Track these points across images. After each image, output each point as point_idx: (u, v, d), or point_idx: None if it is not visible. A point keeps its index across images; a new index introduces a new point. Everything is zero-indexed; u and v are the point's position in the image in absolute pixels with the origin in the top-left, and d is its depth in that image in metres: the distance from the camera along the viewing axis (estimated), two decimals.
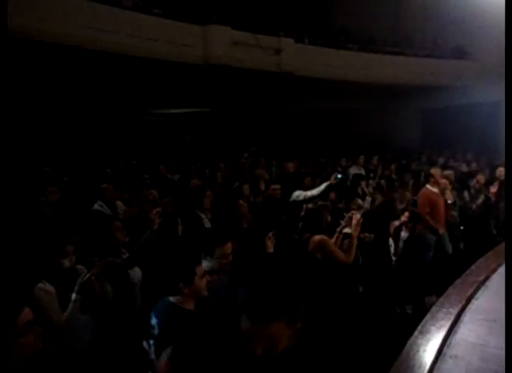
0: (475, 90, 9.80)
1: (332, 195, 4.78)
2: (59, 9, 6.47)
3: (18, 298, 1.49)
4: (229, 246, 2.25)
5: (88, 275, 2.09)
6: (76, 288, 2.06)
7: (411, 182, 5.81)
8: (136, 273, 2.58)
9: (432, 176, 4.80)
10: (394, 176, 6.71)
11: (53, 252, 2.19)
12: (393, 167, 7.11)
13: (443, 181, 4.85)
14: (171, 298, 1.86)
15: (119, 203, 3.92)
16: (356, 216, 3.00)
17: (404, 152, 10.14)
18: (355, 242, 2.97)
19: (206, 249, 2.22)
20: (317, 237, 2.93)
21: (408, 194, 5.18)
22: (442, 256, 4.63)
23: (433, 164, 7.44)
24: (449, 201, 5.00)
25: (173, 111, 12.00)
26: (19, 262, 2.34)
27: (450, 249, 4.75)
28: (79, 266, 2.24)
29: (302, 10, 11.45)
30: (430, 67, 10.84)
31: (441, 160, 8.25)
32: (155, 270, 2.53)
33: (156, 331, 1.79)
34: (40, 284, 2.15)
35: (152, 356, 1.79)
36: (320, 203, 3.47)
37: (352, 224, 2.96)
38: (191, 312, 1.86)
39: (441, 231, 4.64)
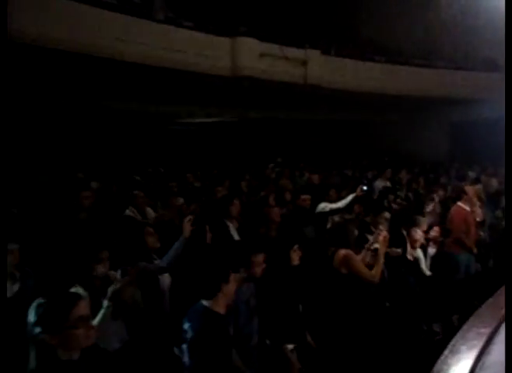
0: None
1: (357, 208, 4.73)
2: (93, 22, 6.79)
3: (73, 293, 1.56)
4: (262, 256, 2.31)
5: (121, 283, 2.14)
6: (109, 295, 2.10)
7: (437, 197, 5.68)
8: (166, 279, 2.65)
9: (465, 192, 4.67)
10: (421, 190, 6.59)
11: (88, 258, 2.27)
12: (421, 181, 6.98)
13: (474, 199, 4.72)
14: (204, 302, 1.92)
15: (149, 209, 4.04)
16: (383, 232, 2.96)
17: (432, 166, 9.94)
18: (382, 259, 2.91)
19: (244, 260, 2.29)
20: (343, 252, 2.87)
21: (437, 208, 5.06)
22: (467, 276, 4.49)
23: (462, 178, 7.26)
24: (477, 219, 4.84)
25: (199, 120, 12.24)
26: (55, 265, 2.46)
27: (473, 270, 4.60)
28: (112, 272, 2.30)
29: (329, 22, 11.52)
30: (460, 80, 10.64)
31: (472, 174, 8.02)
32: (185, 276, 2.59)
33: (189, 334, 1.85)
34: (73, 289, 2.21)
35: (186, 359, 1.84)
36: (347, 217, 3.43)
37: (379, 240, 2.92)
38: (223, 317, 1.91)
39: (475, 250, 4.51)
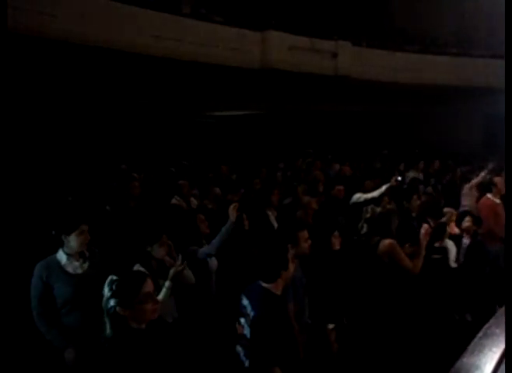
0: None
1: (386, 199, 4.77)
2: (124, 18, 7.03)
3: (141, 272, 1.78)
4: (306, 232, 2.47)
5: (181, 266, 2.36)
6: (170, 276, 2.33)
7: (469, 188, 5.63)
8: (213, 262, 2.86)
9: (495, 184, 4.65)
10: (455, 181, 6.52)
11: (149, 240, 2.49)
12: (458, 172, 6.90)
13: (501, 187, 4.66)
14: (263, 284, 2.08)
15: (192, 198, 4.27)
16: (425, 225, 3.03)
17: (465, 158, 9.72)
18: (423, 252, 2.99)
19: (290, 237, 2.43)
20: (388, 241, 2.97)
21: (468, 200, 5.04)
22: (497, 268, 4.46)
23: (495, 171, 7.09)
24: None
25: (230, 113, 12.44)
26: (119, 246, 2.70)
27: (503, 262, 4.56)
28: (167, 258, 2.53)
29: (359, 12, 11.36)
30: (497, 68, 10.28)
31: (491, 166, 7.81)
32: (231, 260, 2.79)
33: (248, 310, 2.03)
34: (136, 266, 2.43)
35: (245, 331, 2.03)
36: (389, 206, 3.50)
37: (421, 233, 2.99)
38: (281, 297, 2.09)
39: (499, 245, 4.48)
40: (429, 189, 6.14)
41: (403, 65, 9.86)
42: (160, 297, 2.24)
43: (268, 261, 2.07)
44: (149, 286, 1.69)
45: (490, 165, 7.75)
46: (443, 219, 4.19)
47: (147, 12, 7.38)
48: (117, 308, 1.62)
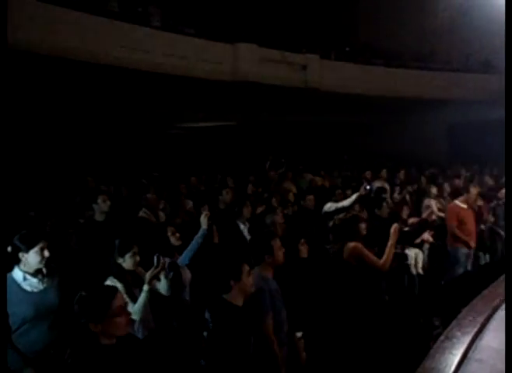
0: (503, 105, 9.70)
1: (356, 207, 4.89)
2: (96, 30, 6.96)
3: (111, 287, 1.74)
4: (279, 241, 2.52)
5: (157, 269, 2.36)
6: (148, 279, 2.33)
7: (434, 193, 5.89)
8: (187, 273, 2.82)
9: (459, 191, 4.95)
10: (424, 186, 6.76)
11: (120, 251, 2.45)
12: (423, 180, 7.16)
13: (473, 195, 4.91)
14: (224, 295, 2.09)
15: (160, 212, 4.19)
16: (395, 225, 3.12)
17: (429, 166, 10.11)
18: (393, 249, 3.06)
19: (265, 247, 2.47)
20: (352, 244, 3.02)
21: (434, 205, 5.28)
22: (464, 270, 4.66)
23: (457, 177, 7.42)
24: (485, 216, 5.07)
25: (200, 125, 12.40)
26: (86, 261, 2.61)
27: (470, 265, 4.78)
28: (140, 268, 2.49)
29: (327, 27, 11.74)
30: (457, 82, 10.85)
31: (465, 173, 8.21)
32: (203, 270, 2.76)
33: (210, 324, 2.01)
34: (109, 281, 2.38)
35: (206, 345, 2.00)
36: (353, 212, 3.58)
37: (390, 232, 3.07)
38: (239, 308, 2.07)
39: (472, 244, 4.70)
40: (397, 196, 6.35)
41: (368, 78, 10.23)
42: (140, 300, 2.27)
43: (220, 271, 2.11)
44: (119, 300, 1.67)
45: (463, 173, 8.15)
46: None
47: (116, 24, 7.32)
48: (89, 325, 1.59)
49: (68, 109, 8.26)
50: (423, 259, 4.93)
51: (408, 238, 4.24)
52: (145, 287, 2.33)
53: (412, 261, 4.70)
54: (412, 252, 4.78)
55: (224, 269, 2.14)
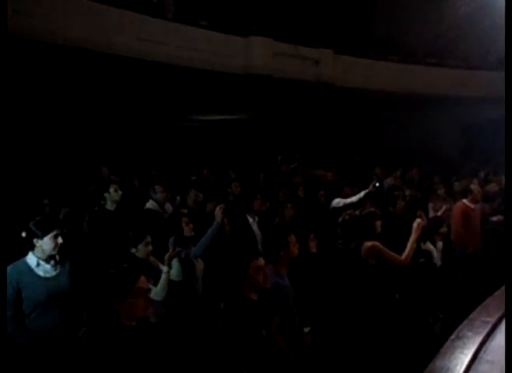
0: None
1: (368, 204, 4.86)
2: (110, 21, 6.99)
3: (136, 267, 1.80)
4: (293, 236, 2.57)
5: (175, 251, 2.47)
6: (166, 260, 2.42)
7: (442, 192, 5.82)
8: (200, 264, 2.86)
9: (471, 191, 4.84)
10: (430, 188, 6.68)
11: (133, 240, 2.51)
12: (436, 179, 7.09)
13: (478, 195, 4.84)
14: (240, 288, 2.12)
15: (167, 203, 4.23)
16: (417, 220, 3.09)
17: (443, 165, 9.99)
18: (414, 245, 3.02)
19: (281, 242, 2.52)
20: (369, 243, 2.95)
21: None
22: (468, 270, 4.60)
23: (473, 177, 7.31)
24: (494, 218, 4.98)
25: (212, 118, 12.42)
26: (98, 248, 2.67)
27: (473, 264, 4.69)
28: (152, 258, 2.56)
29: (342, 21, 11.58)
30: (474, 79, 10.64)
31: (481, 174, 8.08)
32: (215, 261, 2.80)
33: (223, 313, 2.04)
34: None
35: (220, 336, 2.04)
36: (368, 209, 3.52)
37: (413, 227, 3.03)
38: (253, 301, 2.11)
39: (471, 248, 4.63)
40: (412, 191, 6.28)
41: (383, 74, 10.09)
42: (162, 282, 2.40)
43: (228, 267, 2.16)
44: (142, 282, 1.72)
45: (462, 172, 8.03)
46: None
47: (131, 14, 7.35)
48: (112, 303, 1.64)
49: (84, 99, 8.35)
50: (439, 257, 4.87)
51: (424, 235, 4.21)
52: (165, 269, 2.43)
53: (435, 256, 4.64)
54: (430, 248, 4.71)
55: (232, 266, 2.18)
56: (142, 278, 1.73)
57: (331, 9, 11.68)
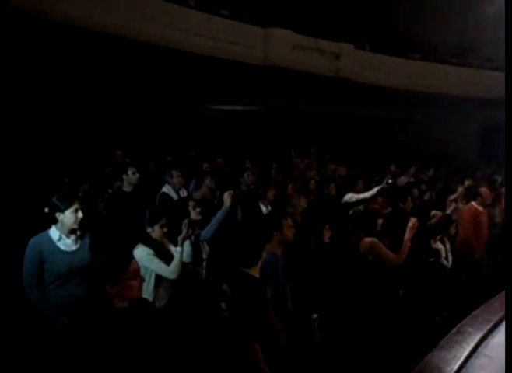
0: None
1: (379, 200, 4.86)
2: (133, 6, 7.07)
3: (129, 251, 1.86)
4: (290, 220, 2.64)
5: (188, 232, 2.59)
6: (180, 241, 2.55)
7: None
8: (205, 247, 2.94)
9: (480, 195, 4.77)
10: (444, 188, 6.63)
11: (148, 222, 2.62)
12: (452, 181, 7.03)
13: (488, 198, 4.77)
14: (243, 269, 2.19)
15: (183, 188, 4.31)
16: (413, 219, 3.11)
17: (459, 167, 9.86)
18: (408, 244, 3.06)
19: (274, 224, 2.59)
20: (369, 239, 3.04)
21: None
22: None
23: (487, 180, 7.22)
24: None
25: (228, 108, 12.44)
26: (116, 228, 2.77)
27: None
28: (165, 240, 2.65)
29: (364, 16, 11.41)
30: (498, 81, 10.40)
31: (498, 178, 7.95)
32: (222, 245, 2.87)
33: (228, 294, 2.11)
34: (139, 247, 2.56)
35: (225, 315, 2.11)
36: (373, 206, 3.57)
37: (408, 226, 3.07)
38: (258, 279, 2.20)
39: (477, 255, 4.58)
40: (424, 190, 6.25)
41: (403, 72, 9.95)
42: (175, 260, 2.52)
43: (243, 252, 2.22)
44: (134, 264, 1.77)
45: (478, 174, 7.93)
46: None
47: (155, 1, 7.40)
48: (106, 286, 1.67)
49: (105, 85, 8.46)
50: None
51: (433, 233, 4.20)
52: (179, 249, 2.54)
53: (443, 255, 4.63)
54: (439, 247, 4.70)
55: (248, 251, 2.23)
56: (134, 261, 1.78)
57: (353, 3, 11.51)
